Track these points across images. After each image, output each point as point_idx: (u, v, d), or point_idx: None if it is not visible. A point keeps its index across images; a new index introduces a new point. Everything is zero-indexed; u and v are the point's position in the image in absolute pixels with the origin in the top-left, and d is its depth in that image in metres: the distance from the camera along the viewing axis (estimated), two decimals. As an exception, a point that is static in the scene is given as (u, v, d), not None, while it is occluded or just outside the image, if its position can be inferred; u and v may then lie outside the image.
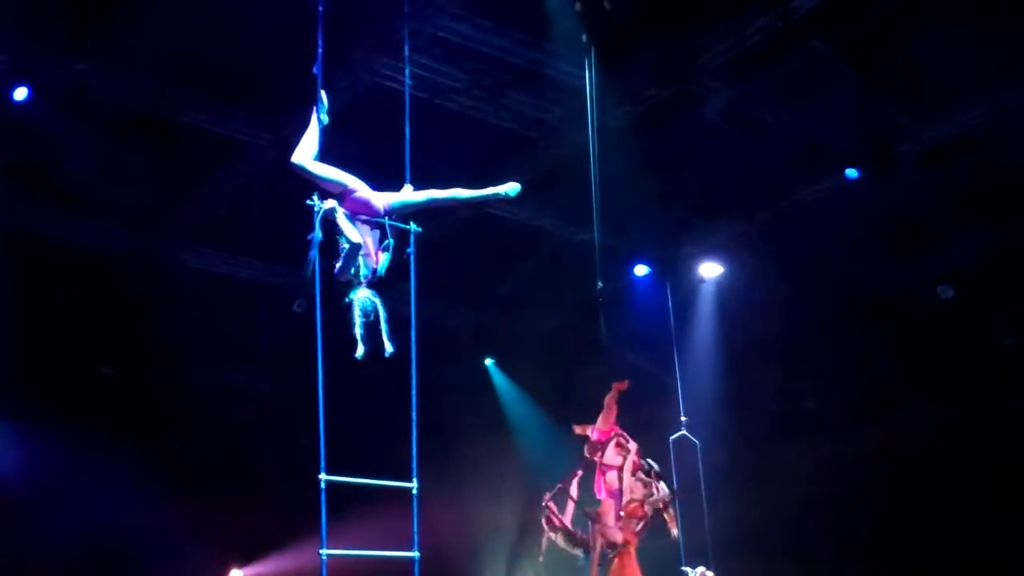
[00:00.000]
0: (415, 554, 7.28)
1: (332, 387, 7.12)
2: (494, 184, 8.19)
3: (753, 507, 15.58)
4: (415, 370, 7.56)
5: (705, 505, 12.31)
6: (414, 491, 7.32)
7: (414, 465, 7.34)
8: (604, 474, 11.36)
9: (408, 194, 7.86)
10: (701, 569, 11.68)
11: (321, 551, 6.87)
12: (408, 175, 7.96)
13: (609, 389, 11.44)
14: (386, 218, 7.62)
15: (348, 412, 7.38)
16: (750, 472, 16.11)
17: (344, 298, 7.47)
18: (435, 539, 10.56)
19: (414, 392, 7.51)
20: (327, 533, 6.91)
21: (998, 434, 14.55)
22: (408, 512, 7.35)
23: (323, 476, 6.91)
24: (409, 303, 7.69)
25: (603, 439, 11.45)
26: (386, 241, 7.63)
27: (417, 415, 7.48)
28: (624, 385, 11.42)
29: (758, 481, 16.17)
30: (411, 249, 7.72)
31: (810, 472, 15.98)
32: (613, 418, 11.52)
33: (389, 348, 7.39)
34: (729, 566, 12.36)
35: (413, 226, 7.74)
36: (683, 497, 11.92)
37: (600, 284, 11.05)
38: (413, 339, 7.62)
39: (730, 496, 14.32)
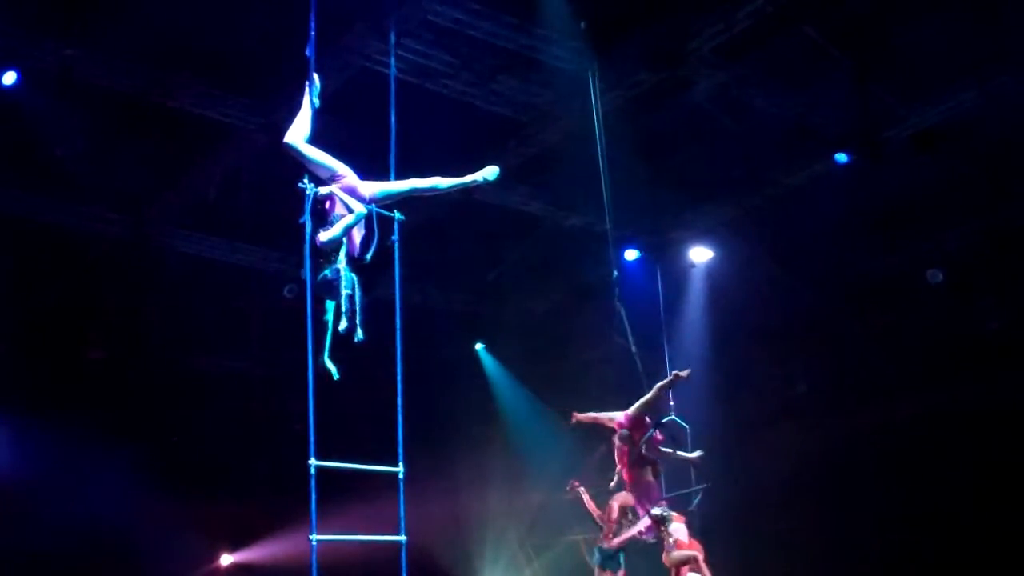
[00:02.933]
0: (402, 538, 7.32)
1: (322, 373, 7.14)
2: (482, 168, 8.20)
3: (743, 492, 15.62)
4: (400, 357, 7.62)
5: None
6: (400, 475, 7.35)
7: (400, 449, 7.39)
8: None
9: (391, 183, 7.93)
10: None
11: (311, 536, 6.83)
12: (393, 163, 8.01)
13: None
14: (372, 206, 7.65)
15: (340, 398, 7.36)
16: (740, 457, 16.14)
17: (323, 271, 7.39)
18: (423, 524, 10.56)
19: (399, 377, 7.57)
20: (316, 519, 6.85)
21: (986, 417, 14.61)
22: (396, 498, 7.37)
23: (312, 461, 6.89)
24: (394, 290, 7.72)
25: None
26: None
27: (405, 400, 7.54)
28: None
29: (748, 466, 16.21)
30: (395, 237, 7.77)
31: (800, 456, 16.02)
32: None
33: (359, 335, 7.33)
34: (718, 550, 12.39)
35: (397, 214, 7.82)
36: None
37: (615, 273, 11.07)
38: (398, 326, 7.71)
39: (720, 481, 14.35)
